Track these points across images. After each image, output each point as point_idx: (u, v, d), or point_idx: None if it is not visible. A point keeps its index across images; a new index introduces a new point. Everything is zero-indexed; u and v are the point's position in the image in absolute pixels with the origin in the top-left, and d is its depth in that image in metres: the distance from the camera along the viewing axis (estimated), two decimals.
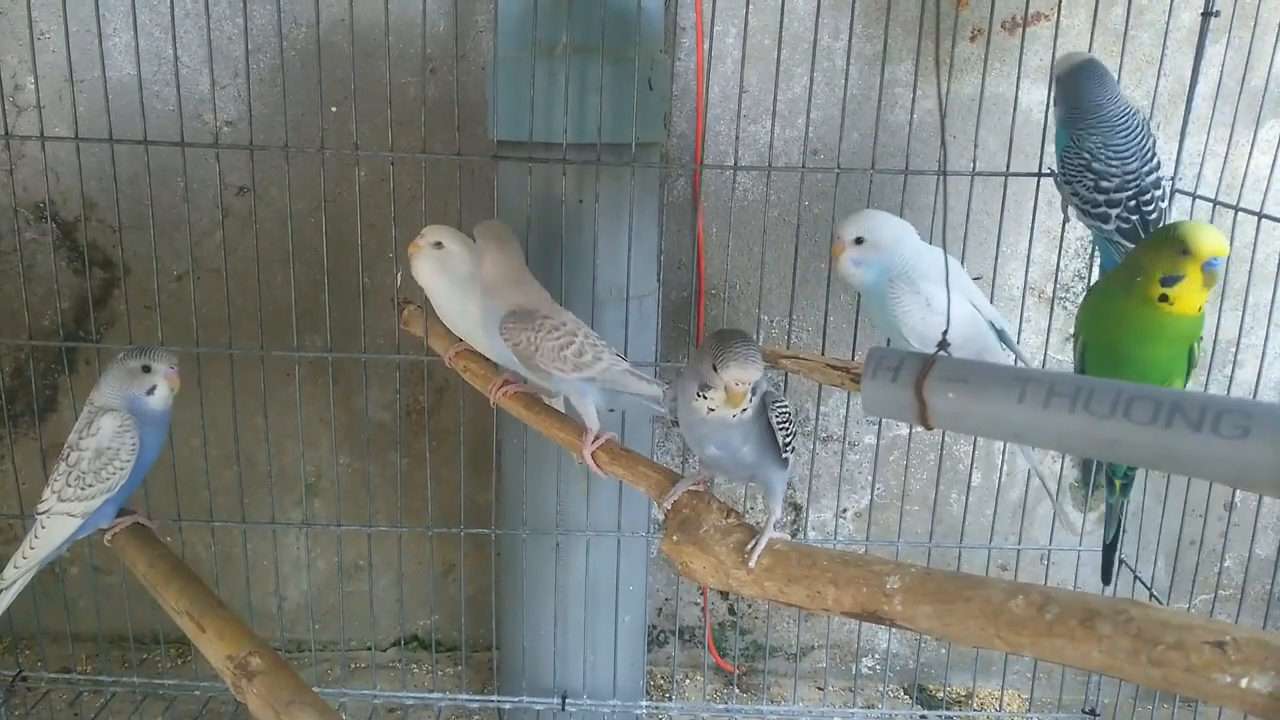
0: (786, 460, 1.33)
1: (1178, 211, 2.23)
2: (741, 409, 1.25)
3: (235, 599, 2.46)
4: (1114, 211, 1.77)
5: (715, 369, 1.22)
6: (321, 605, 2.71)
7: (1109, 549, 1.85)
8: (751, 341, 1.24)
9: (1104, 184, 1.77)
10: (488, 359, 1.83)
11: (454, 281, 1.77)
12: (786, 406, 1.34)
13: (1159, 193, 1.77)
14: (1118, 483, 1.75)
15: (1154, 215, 1.77)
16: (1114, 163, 1.77)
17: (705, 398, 1.25)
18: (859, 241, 1.70)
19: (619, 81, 1.99)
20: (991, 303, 2.37)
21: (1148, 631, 0.87)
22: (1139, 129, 1.79)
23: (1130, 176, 1.76)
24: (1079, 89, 1.83)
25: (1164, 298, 1.47)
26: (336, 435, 2.52)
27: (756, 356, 1.22)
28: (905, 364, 1.00)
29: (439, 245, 1.77)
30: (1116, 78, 2.24)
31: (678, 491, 1.35)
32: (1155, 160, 1.78)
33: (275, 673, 1.49)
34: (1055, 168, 1.90)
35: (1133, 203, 1.76)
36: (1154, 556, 2.36)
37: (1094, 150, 1.77)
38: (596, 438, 1.56)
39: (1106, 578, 1.89)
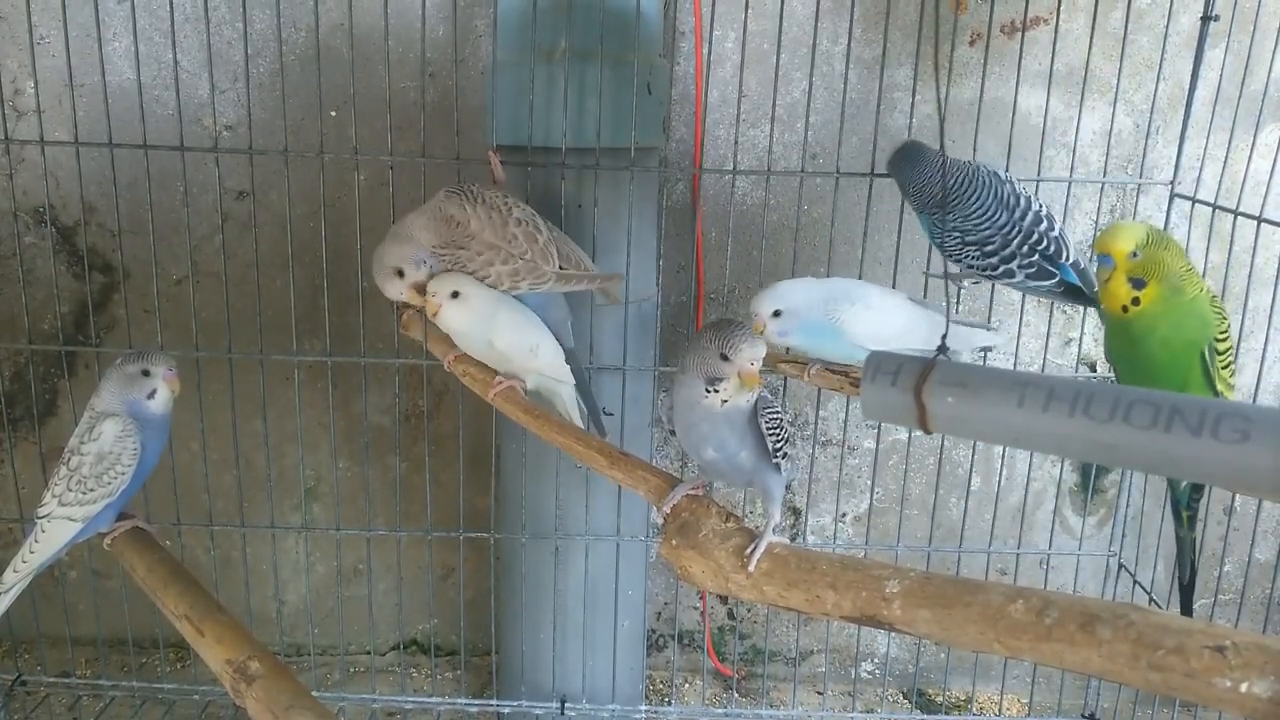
0: (778, 465, 1.34)
1: (1178, 216, 2.23)
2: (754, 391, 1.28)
3: (234, 603, 2.45)
4: (1015, 264, 1.78)
5: (726, 358, 1.24)
6: (320, 609, 2.70)
7: (1186, 589, 1.79)
8: (743, 324, 1.28)
9: (988, 248, 1.78)
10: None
11: (480, 322, 1.76)
12: (777, 411, 1.34)
13: (1044, 226, 1.77)
14: (1185, 514, 1.72)
15: (1052, 249, 1.77)
16: (984, 227, 1.77)
17: (716, 391, 1.26)
18: (776, 315, 1.69)
19: (618, 86, 2.00)
20: (990, 307, 2.38)
21: (1147, 636, 0.87)
22: (986, 184, 1.78)
23: (1006, 228, 1.76)
24: (912, 177, 1.83)
25: None
26: (336, 439, 2.51)
27: (760, 339, 1.27)
28: (904, 368, 0.99)
29: (455, 295, 1.75)
30: (1115, 82, 2.25)
31: (676, 495, 1.35)
32: (1023, 199, 1.78)
33: (274, 677, 1.48)
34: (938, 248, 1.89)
35: (1025, 248, 1.77)
36: (1154, 561, 2.36)
37: (960, 226, 1.77)
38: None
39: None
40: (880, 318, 1.72)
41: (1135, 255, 1.48)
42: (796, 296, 1.71)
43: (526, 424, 1.71)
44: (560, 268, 1.83)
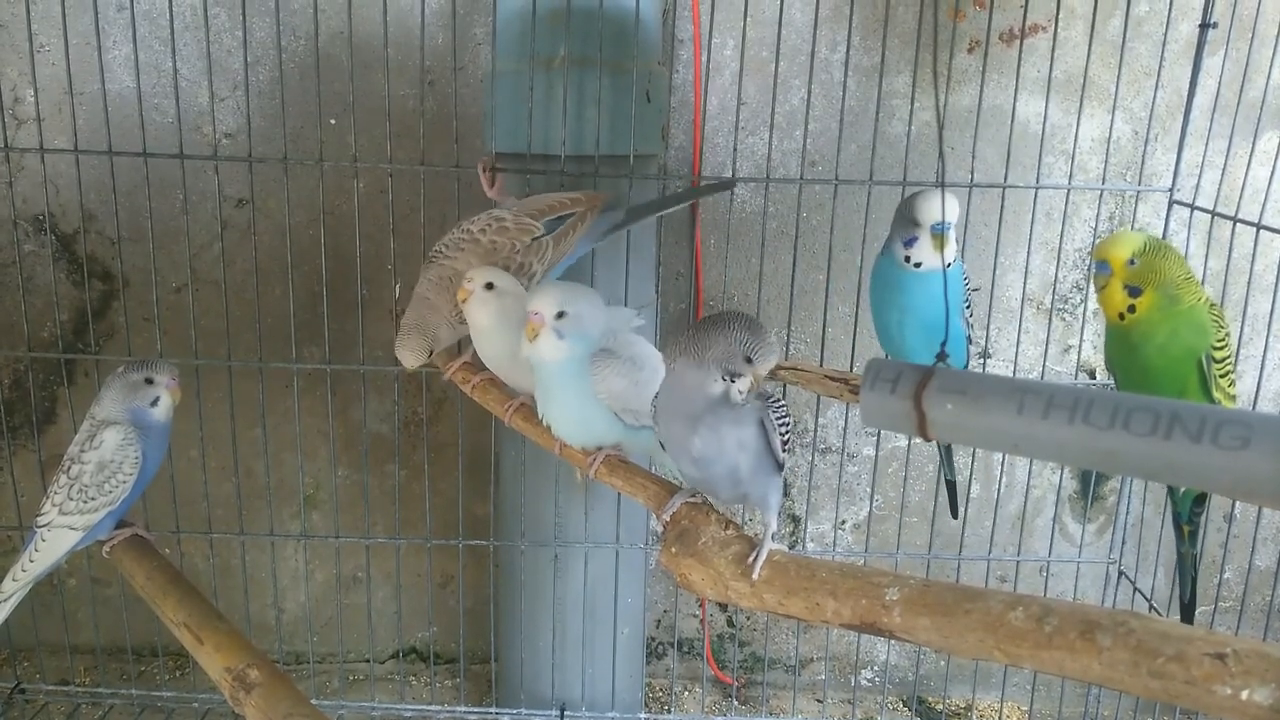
0: (782, 465, 1.31)
1: (1176, 222, 2.23)
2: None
3: (233, 611, 2.45)
4: None
5: (750, 360, 1.23)
6: (320, 617, 2.70)
7: (1187, 607, 1.76)
8: (759, 322, 1.26)
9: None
10: (504, 385, 1.79)
11: (511, 324, 1.66)
12: (784, 404, 1.32)
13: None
14: (1186, 529, 1.70)
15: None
16: None
17: (732, 383, 1.24)
18: (560, 316, 1.50)
19: (617, 94, 2.00)
20: (989, 314, 2.39)
21: (1148, 643, 0.86)
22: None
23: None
24: None
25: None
26: (335, 447, 2.51)
27: (775, 339, 1.26)
28: (904, 375, 0.99)
29: (490, 286, 1.67)
30: (1114, 90, 2.26)
31: (676, 503, 1.34)
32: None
33: (273, 685, 1.48)
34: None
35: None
36: (1153, 568, 2.36)
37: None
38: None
39: None
40: None
41: (1132, 263, 1.49)
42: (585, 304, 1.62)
43: (532, 435, 1.70)
44: (545, 231, 1.81)
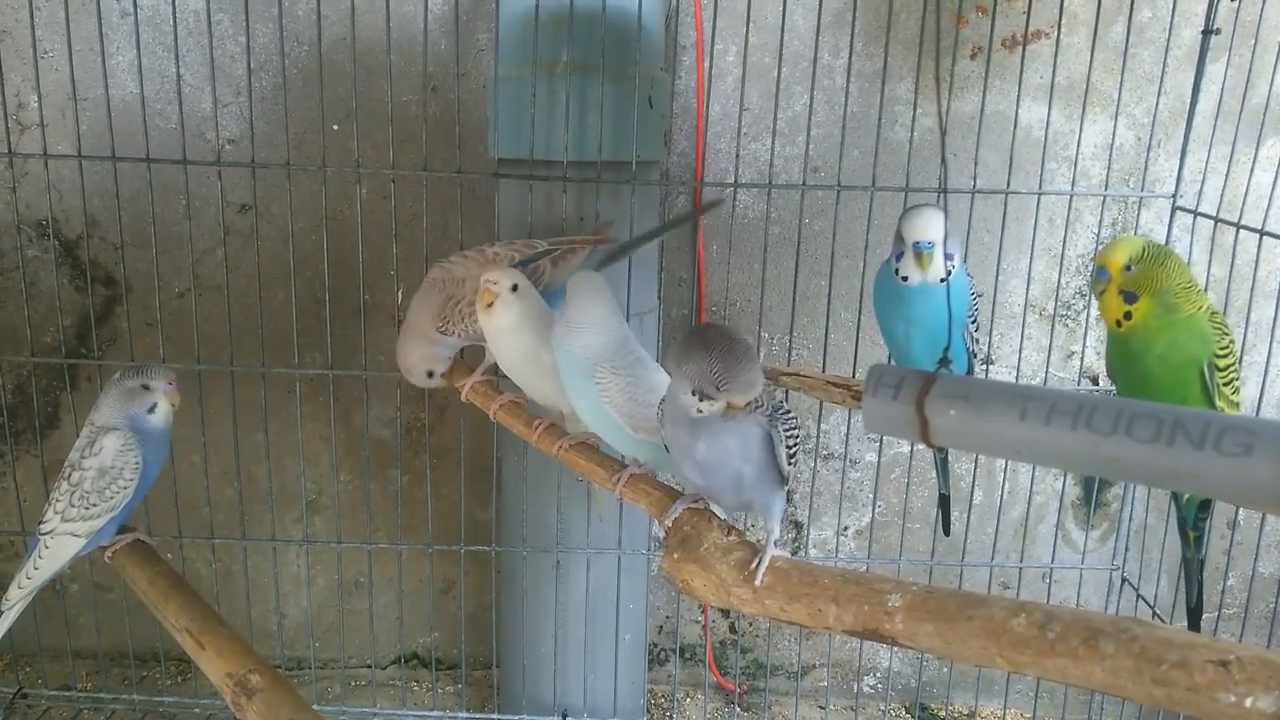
0: (785, 477, 1.30)
1: (1179, 229, 2.23)
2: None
3: (235, 616, 2.45)
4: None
5: (719, 389, 1.19)
6: (321, 623, 2.70)
7: (1194, 611, 1.75)
8: (749, 353, 1.21)
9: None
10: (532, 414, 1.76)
11: (532, 327, 1.67)
12: (794, 417, 1.30)
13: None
14: (1191, 535, 1.68)
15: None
16: None
17: (700, 403, 1.22)
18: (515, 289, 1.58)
19: (619, 100, 2.00)
20: (992, 320, 2.38)
21: (1151, 650, 0.86)
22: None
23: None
24: None
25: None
26: (337, 452, 2.51)
27: (758, 374, 1.20)
28: (906, 381, 0.99)
29: (515, 289, 1.65)
30: (1116, 96, 2.25)
31: (678, 509, 1.34)
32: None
33: (275, 690, 1.48)
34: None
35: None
36: (1157, 575, 2.36)
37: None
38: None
39: None
40: None
41: (1129, 268, 1.47)
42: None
43: (545, 449, 1.67)
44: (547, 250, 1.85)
